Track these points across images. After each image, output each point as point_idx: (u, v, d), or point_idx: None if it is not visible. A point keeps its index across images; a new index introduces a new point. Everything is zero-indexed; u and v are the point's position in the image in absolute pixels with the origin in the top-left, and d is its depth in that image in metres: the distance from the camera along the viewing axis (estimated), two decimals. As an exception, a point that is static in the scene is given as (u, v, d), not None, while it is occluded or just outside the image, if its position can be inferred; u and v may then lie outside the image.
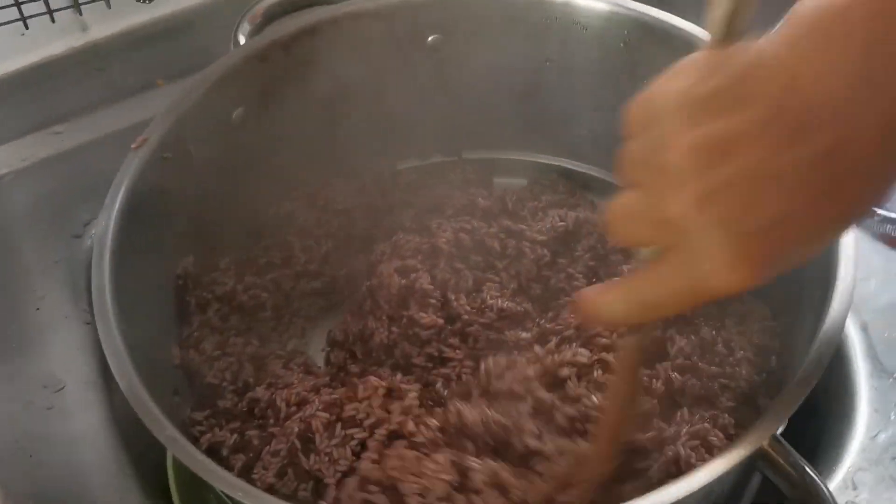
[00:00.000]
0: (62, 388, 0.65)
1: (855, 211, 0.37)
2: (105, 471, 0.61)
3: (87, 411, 0.64)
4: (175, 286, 0.63)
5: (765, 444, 0.46)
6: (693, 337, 0.58)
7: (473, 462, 0.50)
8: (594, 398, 0.53)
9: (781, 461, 0.46)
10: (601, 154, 0.70)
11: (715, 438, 0.52)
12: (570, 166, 0.74)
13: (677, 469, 0.50)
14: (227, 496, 0.48)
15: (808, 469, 0.46)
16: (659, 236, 0.37)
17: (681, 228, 0.35)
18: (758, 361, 0.57)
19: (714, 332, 0.58)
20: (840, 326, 0.49)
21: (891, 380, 0.62)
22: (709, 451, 0.51)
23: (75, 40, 0.84)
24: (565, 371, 0.55)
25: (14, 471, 0.59)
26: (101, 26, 0.84)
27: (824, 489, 0.46)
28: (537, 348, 0.57)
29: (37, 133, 0.79)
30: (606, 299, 0.41)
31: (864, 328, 0.64)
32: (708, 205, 0.34)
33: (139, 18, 0.85)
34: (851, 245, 0.51)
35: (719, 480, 0.44)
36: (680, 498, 0.43)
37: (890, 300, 0.65)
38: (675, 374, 0.56)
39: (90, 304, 0.68)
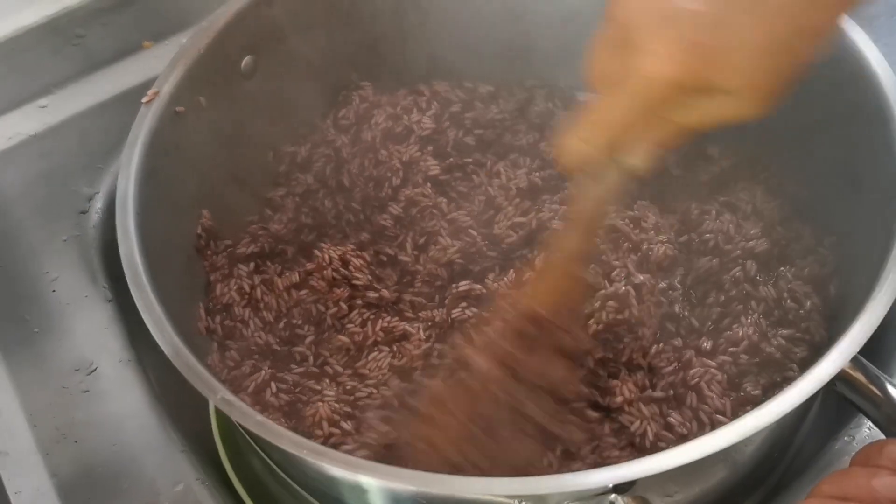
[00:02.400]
0: (95, 370, 0.61)
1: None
2: (153, 448, 0.58)
3: (125, 390, 0.61)
4: (196, 245, 0.61)
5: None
6: (761, 305, 0.57)
7: None
8: None
9: (863, 379, 0.45)
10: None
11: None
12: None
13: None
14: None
15: (889, 384, 0.45)
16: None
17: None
18: (821, 301, 0.56)
19: (774, 289, 0.57)
20: None
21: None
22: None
23: (46, 8, 0.80)
24: None
25: (62, 459, 0.57)
26: (73, -9, 0.80)
27: None
28: None
29: (20, 109, 0.75)
30: (573, 136, 0.43)
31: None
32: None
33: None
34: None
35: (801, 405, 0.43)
36: (772, 421, 0.42)
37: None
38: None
39: (109, 279, 0.67)
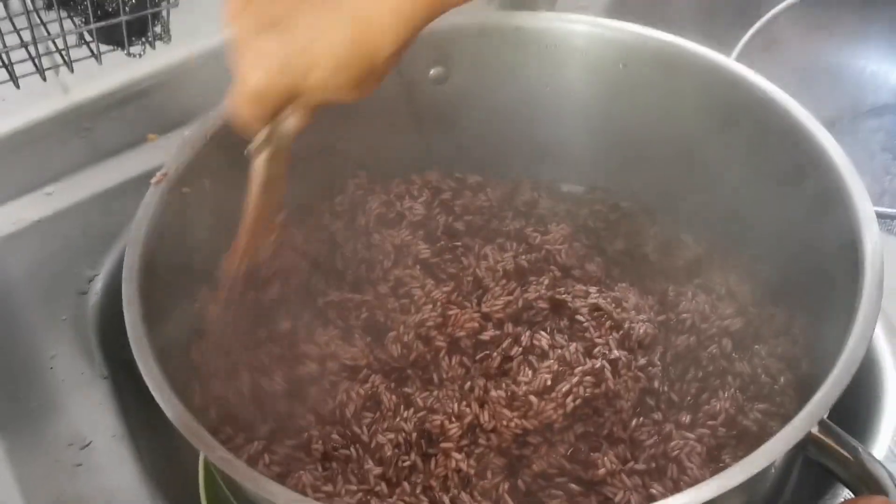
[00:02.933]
0: (88, 444, 0.63)
1: None
2: (144, 523, 0.59)
3: (118, 465, 0.62)
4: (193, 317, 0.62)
5: (814, 430, 0.47)
6: (737, 380, 0.59)
7: None
8: None
9: (833, 444, 0.47)
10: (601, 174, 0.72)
11: None
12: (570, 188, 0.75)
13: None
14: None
15: (860, 448, 0.47)
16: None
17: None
18: (794, 377, 0.59)
19: (749, 365, 0.60)
20: (874, 314, 0.50)
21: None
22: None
23: (58, 103, 0.84)
24: None
25: (53, 530, 0.57)
26: (84, 87, 0.84)
27: (880, 464, 0.47)
28: None
29: (27, 196, 0.78)
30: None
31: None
32: None
33: (121, 77, 0.85)
34: (877, 239, 0.53)
35: (766, 471, 0.44)
36: (731, 487, 0.43)
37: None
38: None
39: (105, 358, 0.68)
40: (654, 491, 0.54)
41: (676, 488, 0.54)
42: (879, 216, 0.60)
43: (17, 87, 0.73)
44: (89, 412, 0.65)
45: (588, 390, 0.57)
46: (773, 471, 0.51)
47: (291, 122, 0.50)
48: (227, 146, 0.62)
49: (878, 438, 0.60)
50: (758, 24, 0.93)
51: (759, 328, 0.62)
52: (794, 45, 0.94)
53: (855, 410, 0.62)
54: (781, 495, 0.57)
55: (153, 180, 0.58)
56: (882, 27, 0.97)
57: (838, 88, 0.98)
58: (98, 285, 0.72)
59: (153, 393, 0.48)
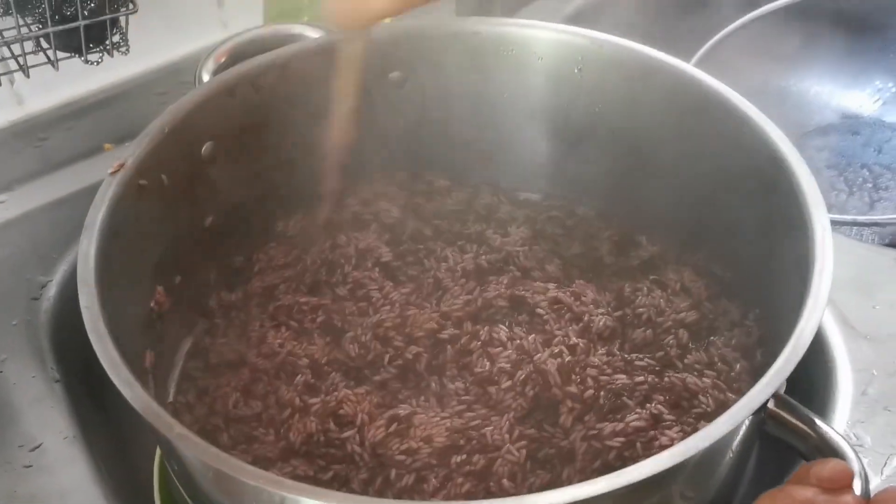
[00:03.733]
0: (39, 446, 0.61)
1: None
2: (96, 524, 0.57)
3: (69, 466, 0.60)
4: (146, 319, 0.62)
5: (770, 404, 0.48)
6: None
7: None
8: None
9: (790, 418, 0.48)
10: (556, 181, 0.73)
11: None
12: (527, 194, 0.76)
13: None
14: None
15: (817, 420, 0.48)
16: None
17: None
18: (749, 364, 0.60)
19: (706, 354, 0.61)
20: (823, 300, 0.51)
21: (864, 341, 0.65)
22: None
23: (12, 114, 0.83)
24: None
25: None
26: (39, 98, 0.84)
27: (837, 434, 0.48)
28: None
29: (-20, 204, 0.77)
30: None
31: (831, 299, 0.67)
32: None
33: (77, 88, 0.85)
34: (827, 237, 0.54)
35: (726, 441, 0.45)
36: (689, 456, 0.44)
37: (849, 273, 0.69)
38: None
39: (57, 362, 0.67)
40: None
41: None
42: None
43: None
44: (40, 415, 0.63)
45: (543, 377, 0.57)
46: (730, 454, 0.51)
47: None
48: (185, 141, 0.63)
49: (834, 424, 0.60)
50: (707, 46, 0.96)
51: (713, 321, 0.63)
52: (742, 66, 0.96)
53: (810, 399, 0.63)
54: (741, 481, 0.57)
55: (110, 170, 0.57)
56: (826, 50, 1.00)
57: (785, 108, 1.01)
58: (51, 291, 0.71)
59: (110, 374, 0.47)
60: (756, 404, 0.45)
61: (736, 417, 0.45)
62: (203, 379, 0.64)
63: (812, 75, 1.02)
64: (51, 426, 0.62)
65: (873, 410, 0.61)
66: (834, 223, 0.81)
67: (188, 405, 0.62)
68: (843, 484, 0.43)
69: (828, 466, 0.44)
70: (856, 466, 0.45)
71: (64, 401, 0.64)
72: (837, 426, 0.60)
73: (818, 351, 0.65)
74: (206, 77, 0.67)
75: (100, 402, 0.66)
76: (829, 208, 0.91)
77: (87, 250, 0.53)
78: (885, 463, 0.58)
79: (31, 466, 0.60)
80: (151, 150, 0.60)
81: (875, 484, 0.57)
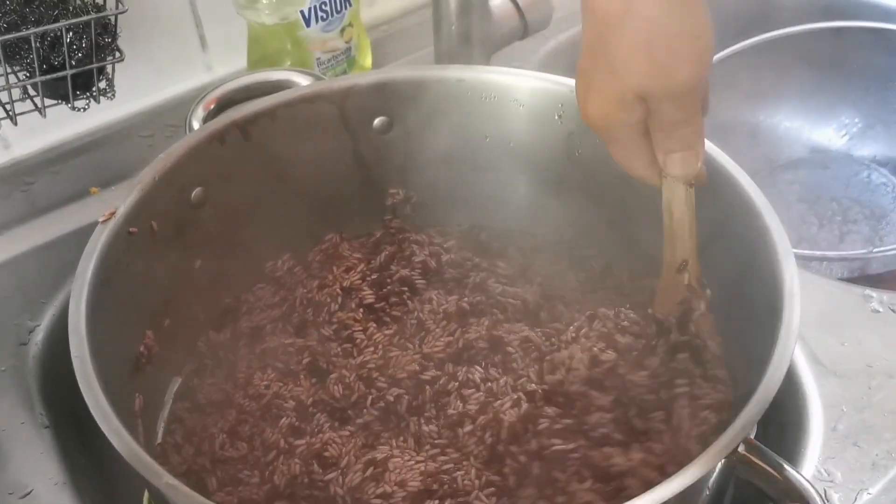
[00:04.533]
0: (29, 493, 0.62)
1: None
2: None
3: (59, 513, 0.61)
4: (136, 363, 0.62)
5: (741, 448, 0.49)
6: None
7: None
8: None
9: (760, 462, 0.50)
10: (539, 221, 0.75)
11: None
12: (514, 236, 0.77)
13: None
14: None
15: (786, 466, 0.50)
16: None
17: None
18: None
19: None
20: (793, 339, 0.52)
21: (833, 378, 0.67)
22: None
23: (-2, 158, 0.85)
24: None
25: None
26: (26, 142, 0.85)
27: (804, 480, 0.49)
28: None
29: (-34, 248, 0.78)
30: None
31: (801, 336, 0.69)
32: None
33: (64, 132, 0.86)
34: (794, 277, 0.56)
35: (696, 487, 0.46)
36: (667, 499, 0.45)
37: (818, 310, 0.71)
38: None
39: (46, 407, 0.68)
40: None
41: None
42: (797, 257, 0.64)
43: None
44: (30, 461, 0.64)
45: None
46: (707, 492, 0.53)
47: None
48: (176, 188, 0.64)
49: (805, 461, 0.63)
50: (679, 84, 0.98)
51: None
52: (713, 102, 0.99)
53: (782, 437, 0.65)
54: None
55: (101, 218, 0.59)
56: (796, 87, 1.04)
57: (756, 144, 1.04)
58: (39, 336, 0.72)
59: (100, 424, 0.48)
60: (727, 451, 0.47)
61: (707, 465, 0.46)
62: (191, 419, 0.65)
63: (782, 111, 1.05)
64: (41, 472, 0.63)
65: (843, 446, 0.63)
66: (804, 258, 0.85)
67: (176, 446, 0.63)
68: None
69: None
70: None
71: (54, 447, 0.65)
72: (809, 462, 0.62)
73: (790, 387, 0.67)
74: (196, 125, 0.68)
75: (88, 447, 0.67)
76: (800, 241, 0.95)
77: (78, 300, 0.54)
78: (856, 499, 0.60)
79: (22, 513, 0.60)
80: (142, 197, 0.61)
81: (846, 520, 0.59)
